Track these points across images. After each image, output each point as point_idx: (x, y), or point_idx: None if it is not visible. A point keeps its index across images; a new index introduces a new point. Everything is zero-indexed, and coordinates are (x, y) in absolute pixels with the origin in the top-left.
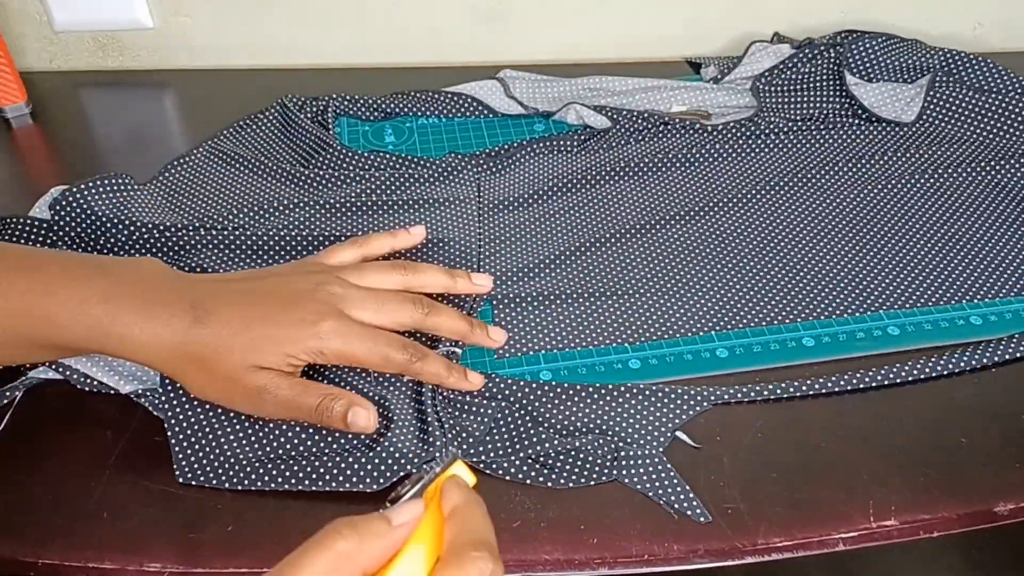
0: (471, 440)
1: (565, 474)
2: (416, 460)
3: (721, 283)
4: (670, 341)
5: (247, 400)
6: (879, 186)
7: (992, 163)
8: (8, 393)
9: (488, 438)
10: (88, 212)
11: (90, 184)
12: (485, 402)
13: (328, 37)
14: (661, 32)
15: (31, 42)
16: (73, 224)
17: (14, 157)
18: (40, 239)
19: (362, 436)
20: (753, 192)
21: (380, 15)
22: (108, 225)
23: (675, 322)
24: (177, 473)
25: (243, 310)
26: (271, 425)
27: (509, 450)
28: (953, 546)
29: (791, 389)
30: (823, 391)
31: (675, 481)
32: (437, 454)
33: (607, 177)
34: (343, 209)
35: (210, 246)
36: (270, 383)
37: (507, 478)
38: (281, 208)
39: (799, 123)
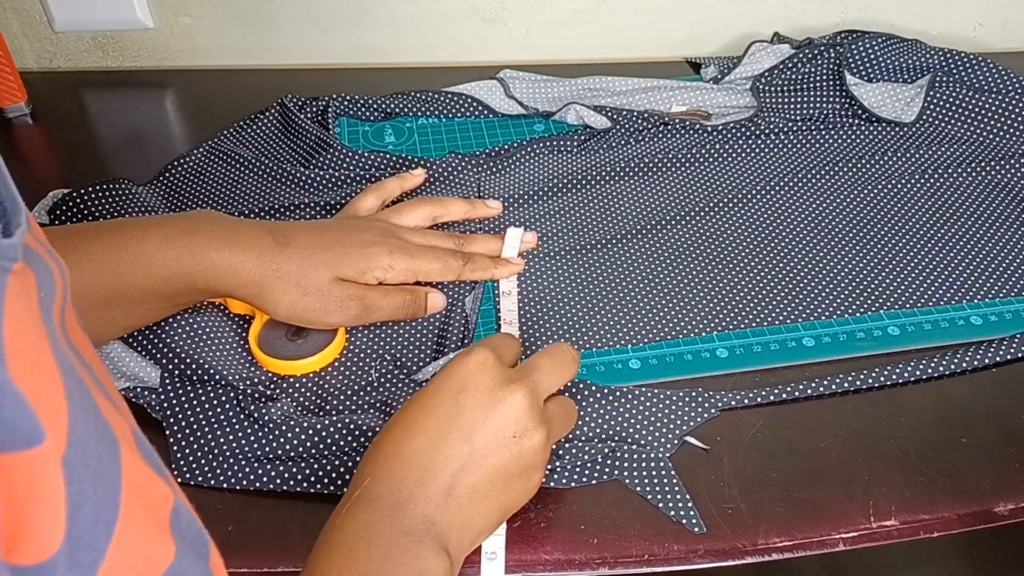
0: None
1: (567, 474)
2: None
3: (721, 283)
4: (670, 341)
5: (340, 308)
6: (879, 186)
7: (992, 163)
8: None
9: None
10: (87, 216)
11: (90, 189)
12: None
13: (328, 37)
14: (661, 32)
15: (31, 42)
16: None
17: (14, 157)
18: None
19: (361, 440)
20: (753, 192)
21: (380, 15)
22: None
23: (675, 322)
24: (176, 472)
25: (318, 235)
26: (271, 425)
27: None
28: (953, 546)
29: (796, 392)
30: (826, 393)
31: (676, 489)
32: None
33: (607, 177)
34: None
35: None
36: (358, 291)
37: None
38: (281, 209)
39: (799, 123)
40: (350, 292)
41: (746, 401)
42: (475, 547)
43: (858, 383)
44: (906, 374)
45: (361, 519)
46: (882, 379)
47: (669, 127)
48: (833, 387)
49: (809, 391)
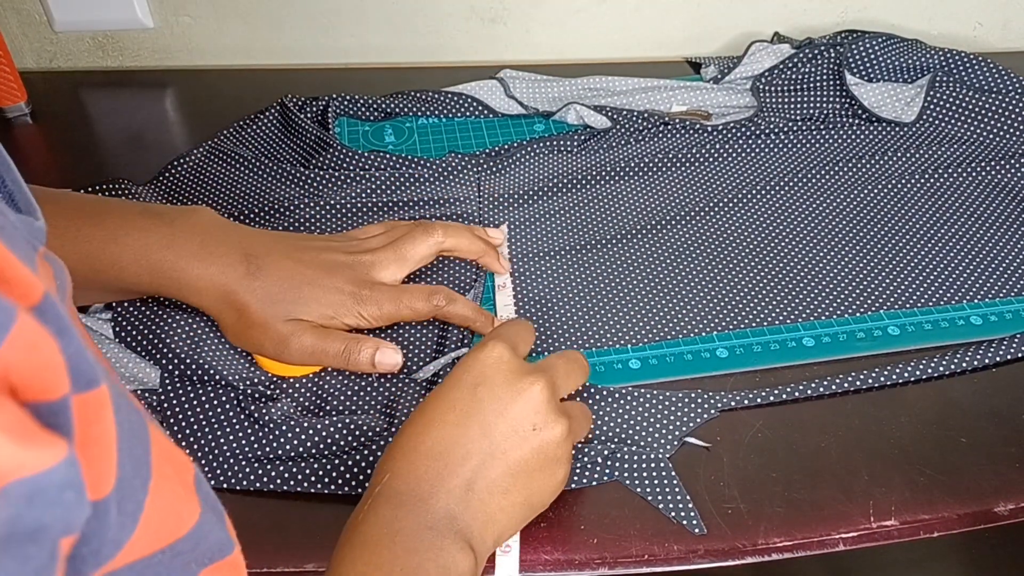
0: None
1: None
2: None
3: (721, 283)
4: (670, 341)
5: (274, 345)
6: (879, 186)
7: (992, 163)
8: None
9: None
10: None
11: (90, 189)
12: None
13: (328, 37)
14: (661, 32)
15: (31, 42)
16: None
17: (14, 157)
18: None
19: (362, 440)
20: (753, 192)
21: (380, 15)
22: None
23: (675, 322)
24: None
25: (291, 270)
26: (271, 425)
27: None
28: (953, 546)
29: (796, 393)
30: (827, 393)
31: (676, 489)
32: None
33: (607, 177)
34: (343, 209)
35: None
36: (296, 329)
37: None
38: (281, 209)
39: (799, 123)
40: (290, 329)
41: (746, 402)
42: (500, 544)
43: (858, 383)
44: (906, 374)
45: (383, 515)
46: (882, 379)
47: (669, 127)
48: (833, 387)
49: (809, 391)
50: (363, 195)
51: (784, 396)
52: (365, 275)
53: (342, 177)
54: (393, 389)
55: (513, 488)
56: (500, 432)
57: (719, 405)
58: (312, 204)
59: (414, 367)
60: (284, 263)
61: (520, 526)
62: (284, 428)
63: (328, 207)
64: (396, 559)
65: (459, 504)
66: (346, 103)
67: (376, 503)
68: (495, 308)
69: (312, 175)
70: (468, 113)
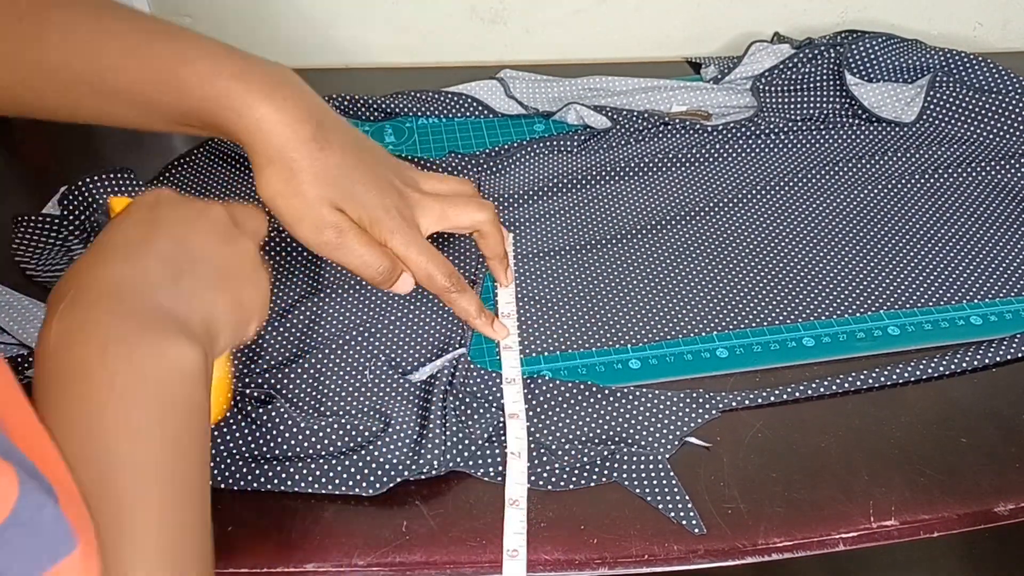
0: (473, 448)
1: (566, 476)
2: (413, 467)
3: (721, 283)
4: (670, 341)
5: (315, 227)
6: (879, 186)
7: (992, 163)
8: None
9: (490, 443)
10: (95, 204)
11: (96, 177)
12: (494, 410)
13: (328, 37)
14: (661, 32)
15: None
16: (82, 216)
17: (15, 155)
18: (52, 234)
19: (359, 440)
20: (753, 192)
21: (380, 15)
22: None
23: (675, 322)
24: None
25: (354, 155)
26: (268, 426)
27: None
28: (953, 546)
29: (796, 393)
30: (827, 393)
31: (676, 490)
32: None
33: (607, 177)
34: None
35: None
36: (346, 227)
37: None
38: None
39: (799, 123)
40: (335, 220)
41: (746, 402)
42: (231, 346)
43: (858, 383)
44: (906, 374)
45: (79, 336)
46: (882, 379)
47: (669, 127)
48: (834, 387)
49: (810, 392)
50: None
51: (784, 396)
52: (407, 209)
53: None
54: (388, 391)
55: (222, 285)
56: (193, 242)
57: (719, 405)
58: None
59: (410, 368)
60: (350, 151)
61: (245, 325)
62: (281, 428)
63: None
64: (115, 373)
65: (167, 296)
66: (346, 103)
67: (61, 321)
68: (496, 307)
69: None
70: (468, 113)
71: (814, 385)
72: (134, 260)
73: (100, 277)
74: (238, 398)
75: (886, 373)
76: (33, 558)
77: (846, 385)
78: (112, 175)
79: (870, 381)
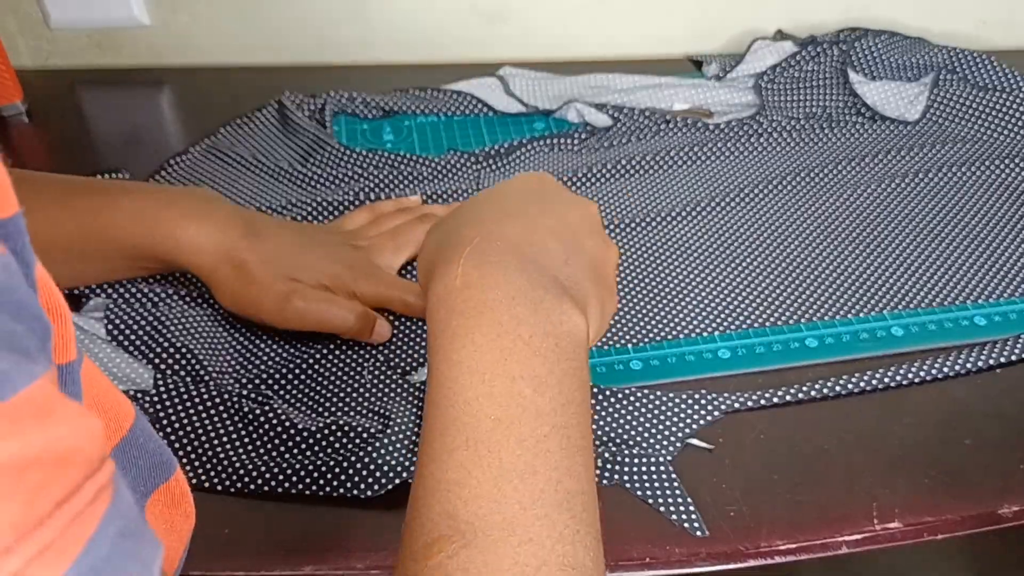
0: None
1: None
2: (413, 469)
3: (723, 283)
4: (672, 342)
5: (274, 303)
6: (883, 185)
7: (996, 162)
8: None
9: None
10: None
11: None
12: None
13: (327, 35)
14: (663, 29)
15: (27, 40)
16: None
17: (10, 155)
18: None
19: (357, 441)
20: (755, 191)
21: (379, 12)
22: None
23: (677, 322)
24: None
25: (291, 236)
26: (266, 427)
27: None
28: (957, 548)
29: (799, 394)
30: (830, 395)
31: (678, 492)
32: None
33: (607, 175)
34: (341, 208)
35: None
36: (299, 288)
37: None
38: (278, 208)
39: (802, 121)
40: (294, 287)
41: (749, 403)
42: (598, 335)
43: (862, 383)
44: (910, 375)
45: (489, 280)
46: (886, 380)
47: (671, 125)
48: (837, 388)
49: (813, 393)
50: (361, 194)
51: (787, 398)
52: (361, 257)
53: (340, 176)
54: (387, 391)
55: (593, 278)
56: (572, 225)
57: (722, 407)
58: (309, 203)
59: (409, 368)
60: (284, 232)
61: (597, 330)
62: (280, 430)
63: (325, 205)
64: (516, 324)
65: (561, 275)
66: (344, 101)
67: (471, 275)
68: None
69: (309, 173)
70: (468, 111)
71: (817, 386)
72: (532, 230)
73: (504, 235)
74: (236, 399)
75: (890, 374)
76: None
77: (849, 386)
78: (107, 175)
79: (874, 382)
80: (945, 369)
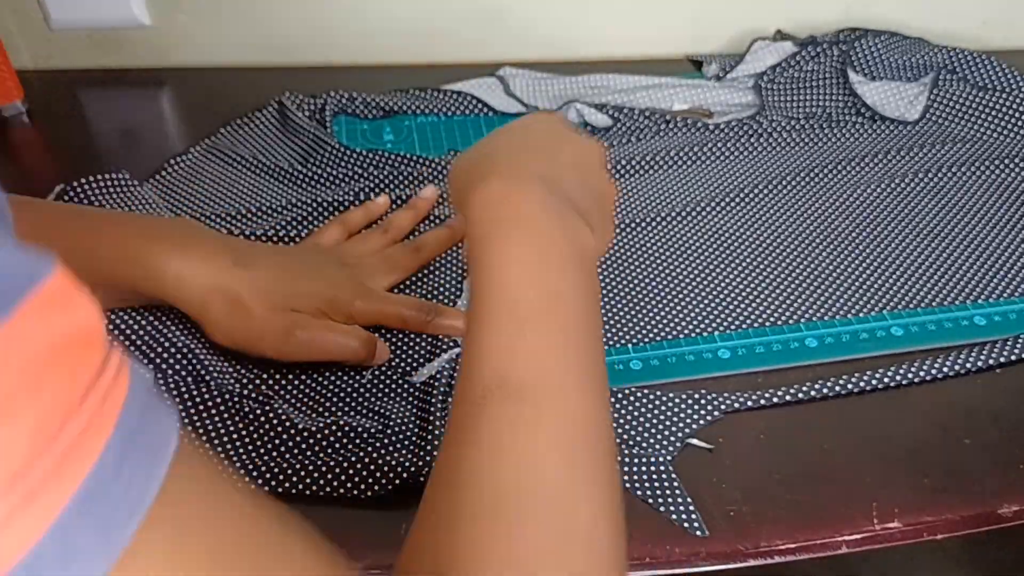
0: None
1: None
2: (413, 469)
3: (723, 283)
4: (672, 342)
5: (276, 337)
6: (882, 185)
7: (996, 162)
8: None
9: None
10: (92, 206)
11: (92, 180)
12: None
13: (327, 35)
14: (663, 29)
15: (27, 40)
16: None
17: (11, 156)
18: None
19: (357, 441)
20: (755, 191)
21: (379, 12)
22: None
23: (677, 322)
24: None
25: (282, 262)
26: (266, 427)
27: None
28: (957, 548)
29: (799, 394)
30: (830, 394)
31: (677, 492)
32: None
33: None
34: (341, 208)
35: None
36: (308, 320)
37: None
38: (279, 208)
39: (802, 121)
40: (295, 319)
41: (749, 403)
42: (600, 256)
43: (862, 383)
44: (910, 374)
45: (522, 196)
46: (886, 379)
47: (671, 125)
48: (837, 388)
49: (813, 392)
50: (362, 194)
51: (787, 397)
52: (354, 278)
53: (340, 175)
54: (387, 391)
55: (593, 209)
56: (582, 159)
57: (721, 407)
58: (309, 203)
59: (409, 369)
60: (273, 257)
61: (605, 244)
62: (280, 429)
63: (326, 206)
64: (548, 229)
65: (575, 196)
66: (344, 101)
67: (503, 185)
68: None
69: (310, 174)
70: (468, 111)
71: (817, 386)
72: (551, 160)
73: (527, 165)
74: (236, 399)
75: (889, 374)
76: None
77: (849, 386)
78: (108, 176)
79: (873, 382)
80: (945, 369)
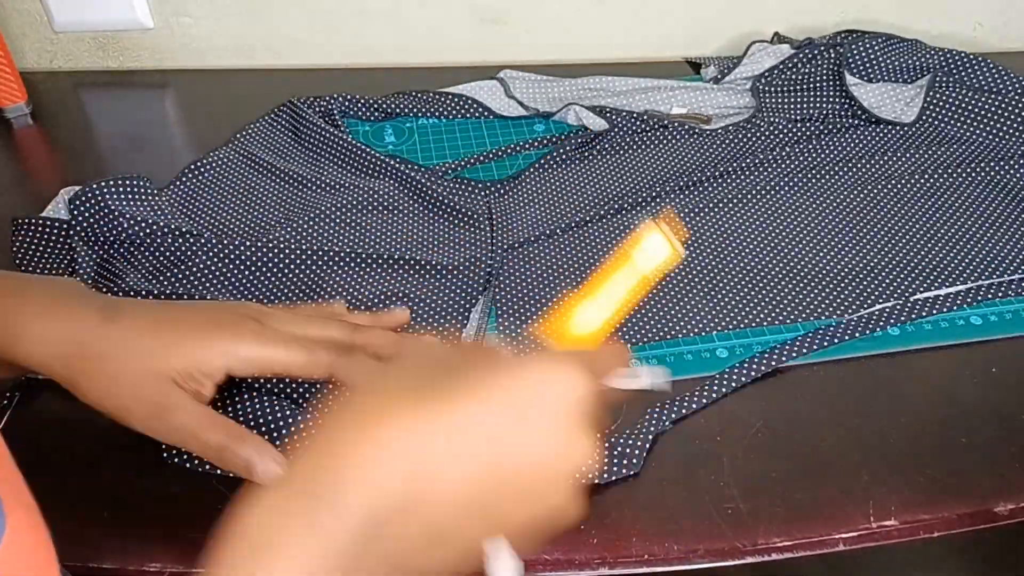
0: None
1: None
2: None
3: (721, 283)
4: (670, 341)
5: (146, 413)
6: (879, 187)
7: (992, 163)
8: (7, 393)
9: None
10: (107, 210)
11: (110, 182)
12: None
13: (329, 37)
14: (661, 32)
15: (31, 42)
16: (91, 221)
17: (14, 158)
18: (54, 238)
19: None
20: (753, 192)
21: (381, 15)
22: (126, 223)
23: (675, 322)
24: (165, 455)
25: (156, 313)
26: (270, 425)
27: None
28: (953, 546)
29: (783, 357)
30: (806, 351)
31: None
32: None
33: (608, 177)
34: (359, 211)
35: (218, 256)
36: (179, 402)
37: None
38: (300, 211)
39: (799, 124)
40: (170, 401)
41: (734, 384)
42: None
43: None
44: (892, 319)
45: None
46: (872, 322)
47: (668, 129)
48: (815, 346)
49: (794, 353)
50: (377, 197)
51: (774, 363)
52: (256, 309)
53: (359, 172)
54: None
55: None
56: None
57: (714, 396)
58: (331, 207)
59: None
60: (149, 306)
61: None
62: (280, 426)
63: (347, 206)
64: None
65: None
66: (346, 103)
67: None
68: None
69: (326, 177)
70: (468, 114)
71: (791, 352)
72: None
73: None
74: (236, 399)
75: (877, 314)
76: None
77: (826, 343)
78: (125, 181)
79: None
80: (949, 303)
